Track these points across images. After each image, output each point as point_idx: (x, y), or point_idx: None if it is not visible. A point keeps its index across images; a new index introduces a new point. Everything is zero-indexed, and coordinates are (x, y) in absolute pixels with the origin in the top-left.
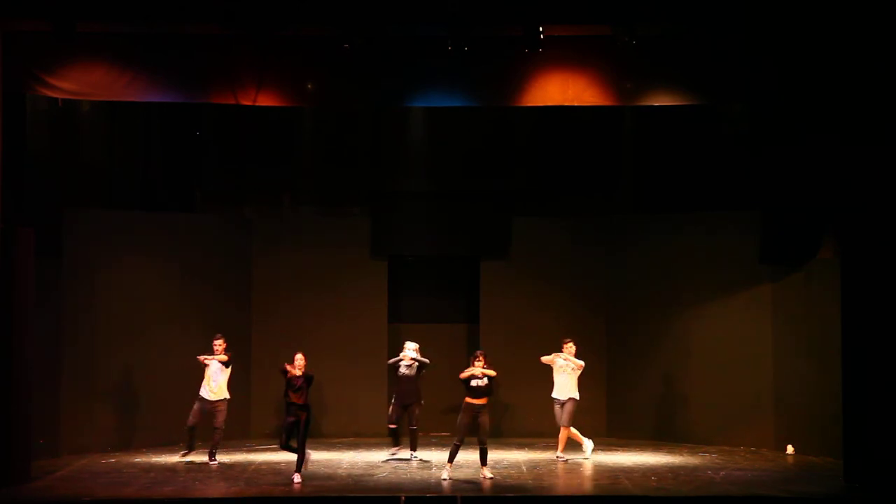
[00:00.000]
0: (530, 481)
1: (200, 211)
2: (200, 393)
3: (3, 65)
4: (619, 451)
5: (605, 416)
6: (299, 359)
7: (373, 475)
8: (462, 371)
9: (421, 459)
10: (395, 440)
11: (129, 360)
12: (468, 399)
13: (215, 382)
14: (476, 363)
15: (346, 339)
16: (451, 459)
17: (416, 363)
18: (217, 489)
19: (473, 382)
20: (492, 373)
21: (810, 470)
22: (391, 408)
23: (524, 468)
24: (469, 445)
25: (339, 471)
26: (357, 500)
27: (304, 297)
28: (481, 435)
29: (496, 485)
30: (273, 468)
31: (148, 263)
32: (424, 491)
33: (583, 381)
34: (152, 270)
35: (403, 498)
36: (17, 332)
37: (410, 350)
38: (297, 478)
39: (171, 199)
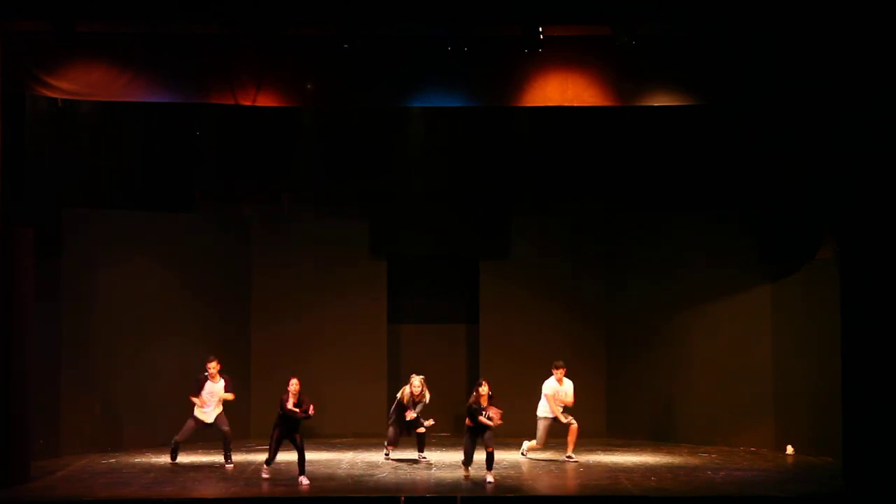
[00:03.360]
0: (530, 481)
1: (200, 211)
2: (201, 417)
3: (3, 65)
4: (619, 451)
5: (605, 416)
6: (294, 384)
7: (373, 475)
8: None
9: (428, 461)
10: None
11: (128, 360)
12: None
13: (211, 405)
14: (480, 389)
15: (345, 339)
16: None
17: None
18: (217, 489)
19: (480, 418)
20: (496, 420)
21: (810, 470)
22: (390, 429)
23: (524, 468)
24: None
25: (339, 471)
26: (357, 500)
27: (304, 296)
28: (487, 441)
29: (496, 485)
30: (273, 468)
31: (147, 263)
32: (424, 491)
33: (583, 381)
34: (152, 270)
35: (403, 498)
36: (17, 332)
37: (417, 385)
38: (304, 479)
39: (171, 200)
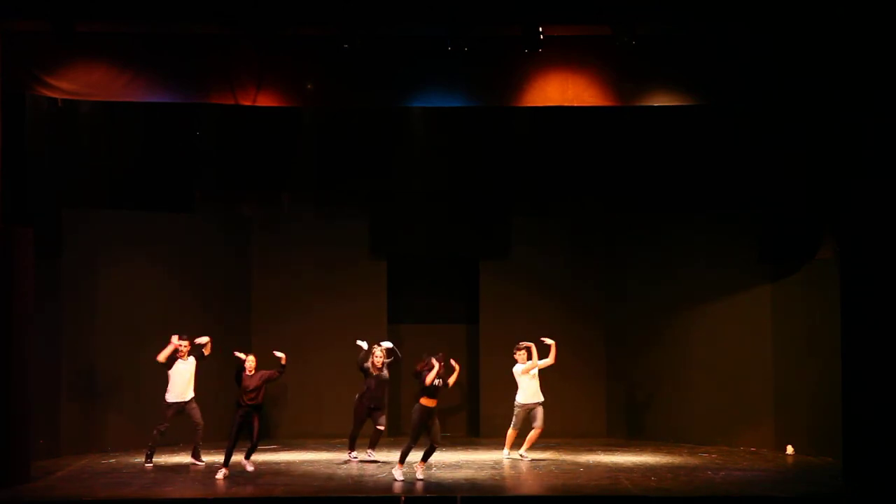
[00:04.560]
0: (529, 481)
1: (200, 211)
2: (174, 399)
3: (3, 65)
4: (619, 451)
5: (605, 416)
6: (251, 360)
7: (373, 475)
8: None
9: (376, 460)
10: (352, 444)
11: (128, 359)
12: (426, 401)
13: (182, 384)
14: (437, 361)
15: (345, 339)
16: (402, 460)
17: (386, 362)
18: (217, 489)
19: (436, 382)
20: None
21: (810, 470)
22: (357, 411)
23: (523, 468)
24: (475, 444)
25: (339, 471)
26: (357, 500)
27: (304, 296)
28: (437, 436)
29: (496, 485)
30: (273, 468)
31: (147, 263)
32: (425, 491)
33: (583, 381)
34: (152, 270)
35: (403, 498)
36: (17, 332)
37: (382, 347)
38: (249, 466)
39: (171, 199)
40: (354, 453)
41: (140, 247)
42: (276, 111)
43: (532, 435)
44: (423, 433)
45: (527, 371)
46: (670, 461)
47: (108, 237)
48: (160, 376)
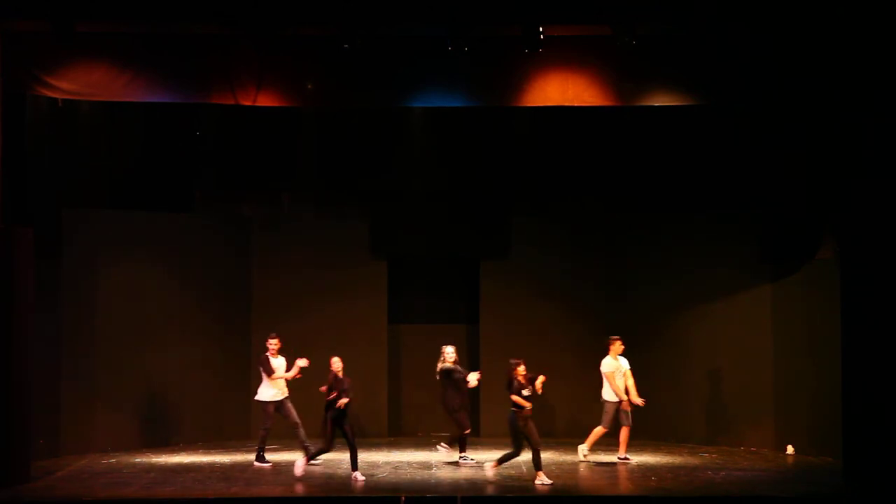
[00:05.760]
0: (531, 481)
1: (200, 211)
2: (276, 398)
3: (3, 65)
4: (619, 450)
5: None
6: (336, 361)
7: (373, 475)
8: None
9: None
10: (462, 445)
11: (128, 360)
12: (521, 410)
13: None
14: (520, 368)
15: (346, 339)
16: (538, 467)
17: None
18: (217, 489)
19: (526, 392)
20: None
21: (810, 470)
22: (461, 415)
23: (524, 468)
24: (475, 444)
25: (339, 471)
26: (357, 500)
27: (304, 297)
28: (535, 437)
29: (496, 485)
30: (273, 468)
31: (148, 263)
32: (424, 491)
33: (583, 382)
34: (152, 270)
35: (403, 498)
36: (17, 332)
37: (450, 352)
38: (358, 475)
39: (171, 199)
40: (464, 454)
41: (140, 247)
42: (276, 111)
43: (623, 435)
44: (522, 438)
45: (618, 390)
46: (670, 461)
47: (108, 237)
48: (160, 375)
